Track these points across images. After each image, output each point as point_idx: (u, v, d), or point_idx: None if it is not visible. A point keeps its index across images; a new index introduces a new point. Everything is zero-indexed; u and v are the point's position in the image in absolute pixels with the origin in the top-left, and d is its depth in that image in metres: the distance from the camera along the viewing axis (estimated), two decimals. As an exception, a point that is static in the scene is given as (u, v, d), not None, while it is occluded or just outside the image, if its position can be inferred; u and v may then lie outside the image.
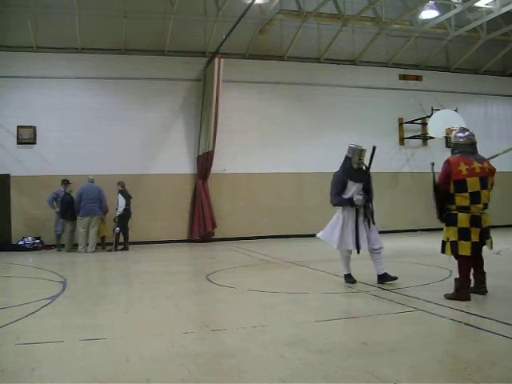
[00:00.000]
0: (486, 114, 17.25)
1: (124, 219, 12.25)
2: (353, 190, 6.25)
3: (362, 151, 6.29)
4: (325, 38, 15.54)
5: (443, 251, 5.31)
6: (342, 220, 6.28)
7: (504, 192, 14.04)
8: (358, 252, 6.20)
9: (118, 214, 12.19)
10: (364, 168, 6.38)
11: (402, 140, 16.49)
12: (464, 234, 5.14)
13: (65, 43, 13.84)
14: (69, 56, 13.83)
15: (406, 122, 16.39)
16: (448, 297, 5.22)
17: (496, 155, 5.68)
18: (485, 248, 5.30)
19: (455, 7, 14.16)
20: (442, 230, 5.42)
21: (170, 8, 13.51)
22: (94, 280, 8.50)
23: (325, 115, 15.67)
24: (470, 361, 3.29)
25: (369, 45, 15.83)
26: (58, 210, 12.43)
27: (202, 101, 14.57)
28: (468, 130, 5.45)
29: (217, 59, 13.46)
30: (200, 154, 14.28)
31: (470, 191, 5.11)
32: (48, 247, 12.97)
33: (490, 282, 5.38)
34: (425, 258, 8.66)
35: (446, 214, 5.29)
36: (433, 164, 5.48)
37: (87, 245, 12.00)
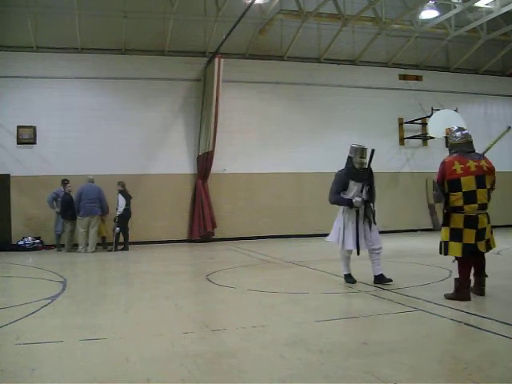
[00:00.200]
0: (486, 114, 17.24)
1: (124, 219, 12.24)
2: (354, 190, 6.24)
3: (363, 150, 6.28)
4: (325, 38, 15.54)
5: (440, 252, 5.33)
6: (342, 220, 6.29)
7: (504, 192, 14.02)
8: (358, 253, 6.21)
9: (118, 214, 12.19)
10: (367, 168, 6.36)
11: (401, 140, 16.49)
12: (455, 235, 5.12)
13: (65, 43, 13.84)
14: (69, 56, 13.83)
15: (406, 122, 16.39)
16: (448, 297, 5.22)
17: (488, 148, 5.63)
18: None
19: (455, 7, 14.16)
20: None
21: (170, 8, 13.51)
22: (94, 280, 8.50)
23: (325, 115, 15.67)
24: (470, 361, 3.29)
25: (369, 45, 15.83)
26: (58, 209, 12.43)
27: (202, 101, 14.58)
28: (464, 129, 5.42)
29: (217, 59, 13.46)
30: (200, 153, 14.28)
31: (464, 191, 5.07)
32: (48, 247, 12.97)
33: (489, 281, 5.38)
34: (425, 257, 8.66)
35: (443, 214, 5.31)
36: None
37: (87, 245, 12.00)
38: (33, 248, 12.73)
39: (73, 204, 12.02)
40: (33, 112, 13.45)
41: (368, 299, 5.51)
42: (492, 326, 4.15)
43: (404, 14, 14.57)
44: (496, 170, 5.30)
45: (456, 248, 5.11)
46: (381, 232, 6.45)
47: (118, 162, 13.74)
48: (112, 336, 4.17)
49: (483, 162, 5.17)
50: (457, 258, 5.25)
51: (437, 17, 14.72)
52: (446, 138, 15.23)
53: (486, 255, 5.35)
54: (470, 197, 5.07)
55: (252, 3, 11.67)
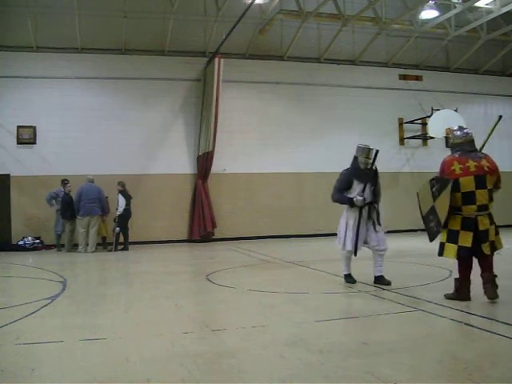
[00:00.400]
0: (486, 114, 17.21)
1: (124, 219, 12.24)
2: (357, 189, 6.21)
3: (369, 150, 6.26)
4: (325, 38, 15.54)
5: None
6: (345, 220, 6.29)
7: (504, 192, 14.03)
8: (355, 254, 6.21)
9: (118, 214, 12.19)
10: (373, 169, 6.33)
11: (401, 140, 16.49)
12: (451, 237, 5.05)
13: (65, 43, 13.83)
14: (69, 56, 13.83)
15: (406, 122, 16.39)
16: (448, 297, 5.21)
17: (484, 143, 5.57)
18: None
19: (455, 7, 14.16)
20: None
21: (170, 8, 13.51)
22: (94, 280, 8.50)
23: (325, 115, 15.67)
24: (470, 361, 3.29)
25: (369, 45, 15.83)
26: (58, 207, 12.40)
27: (202, 101, 14.57)
28: (464, 128, 5.35)
29: (217, 59, 13.46)
30: (200, 153, 14.28)
31: (462, 191, 4.98)
32: (48, 247, 12.96)
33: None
34: (425, 257, 8.65)
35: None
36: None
37: (87, 245, 12.00)
38: (33, 248, 12.73)
39: (72, 204, 12.02)
40: (33, 112, 13.45)
41: (368, 299, 5.51)
42: (492, 326, 4.15)
43: (404, 14, 14.57)
44: (498, 167, 5.18)
45: (451, 250, 5.06)
46: (381, 232, 6.43)
47: (118, 161, 13.74)
48: (112, 336, 4.17)
49: (484, 162, 5.06)
50: (457, 259, 5.22)
51: (437, 17, 14.71)
52: (446, 137, 15.25)
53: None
54: (468, 198, 4.98)
55: (252, 3, 11.67)
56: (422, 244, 11.83)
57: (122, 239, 12.33)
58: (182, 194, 14.41)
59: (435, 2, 14.49)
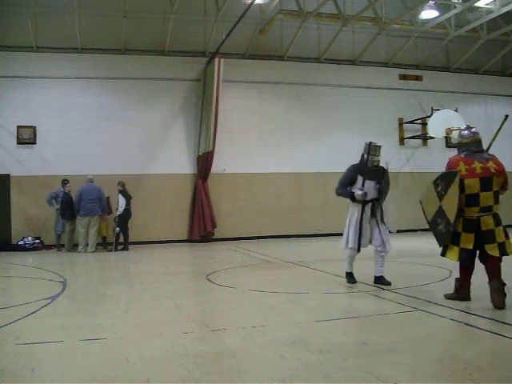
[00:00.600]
0: (486, 114, 17.21)
1: (124, 219, 12.24)
2: (359, 185, 6.18)
3: (376, 147, 6.24)
4: (325, 38, 15.54)
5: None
6: (349, 217, 6.28)
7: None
8: (359, 250, 6.19)
9: (118, 214, 12.20)
10: (378, 166, 6.30)
11: (401, 140, 16.49)
12: (454, 239, 5.00)
13: (65, 43, 13.83)
14: (69, 56, 13.83)
15: (406, 122, 16.39)
16: (448, 297, 5.20)
17: (491, 143, 5.47)
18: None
19: (455, 7, 14.15)
20: None
21: (170, 8, 13.51)
22: (94, 280, 8.50)
23: (325, 115, 15.67)
24: (470, 361, 3.29)
25: (369, 45, 15.83)
26: (57, 207, 12.39)
27: (202, 101, 14.58)
28: (472, 128, 5.22)
29: (217, 59, 13.46)
30: (200, 153, 14.28)
31: (466, 193, 4.89)
32: (48, 247, 12.96)
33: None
34: (425, 258, 8.65)
35: None
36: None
37: (87, 245, 12.00)
38: (33, 248, 12.73)
39: (72, 204, 12.01)
40: (33, 112, 13.45)
41: (368, 299, 5.51)
42: (492, 326, 4.15)
43: (404, 14, 14.57)
44: (504, 169, 5.04)
45: (453, 252, 5.03)
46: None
47: (118, 162, 13.74)
48: (112, 336, 4.17)
49: (491, 163, 4.94)
50: (458, 261, 5.17)
51: (437, 17, 14.71)
52: (446, 138, 15.25)
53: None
54: (471, 200, 4.89)
55: (252, 3, 11.67)
56: (422, 244, 11.87)
57: (122, 239, 12.33)
58: (181, 194, 14.41)
59: (435, 2, 14.49)
